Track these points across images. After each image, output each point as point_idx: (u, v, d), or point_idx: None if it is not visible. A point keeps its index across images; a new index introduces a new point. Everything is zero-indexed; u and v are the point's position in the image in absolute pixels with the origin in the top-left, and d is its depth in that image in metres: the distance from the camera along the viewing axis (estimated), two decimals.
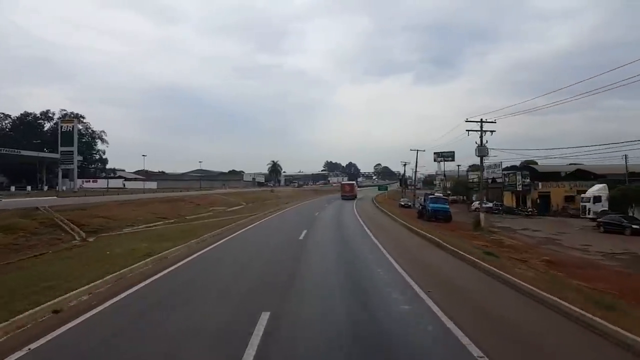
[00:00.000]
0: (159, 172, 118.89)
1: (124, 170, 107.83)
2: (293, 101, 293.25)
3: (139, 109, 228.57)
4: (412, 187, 76.38)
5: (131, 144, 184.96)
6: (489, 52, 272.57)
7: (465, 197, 72.51)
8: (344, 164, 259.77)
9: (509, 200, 51.59)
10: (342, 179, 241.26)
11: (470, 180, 70.87)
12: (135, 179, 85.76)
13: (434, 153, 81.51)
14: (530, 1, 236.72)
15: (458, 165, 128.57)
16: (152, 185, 72.79)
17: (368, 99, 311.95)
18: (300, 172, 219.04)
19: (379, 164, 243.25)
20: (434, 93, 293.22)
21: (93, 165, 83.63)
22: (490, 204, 47.59)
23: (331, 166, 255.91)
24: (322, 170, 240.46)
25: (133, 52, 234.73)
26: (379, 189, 62.46)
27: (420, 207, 36.47)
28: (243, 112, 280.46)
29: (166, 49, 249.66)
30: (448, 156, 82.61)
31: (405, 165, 76.94)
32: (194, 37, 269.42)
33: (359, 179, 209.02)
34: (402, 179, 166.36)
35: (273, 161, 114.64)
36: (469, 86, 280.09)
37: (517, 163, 58.80)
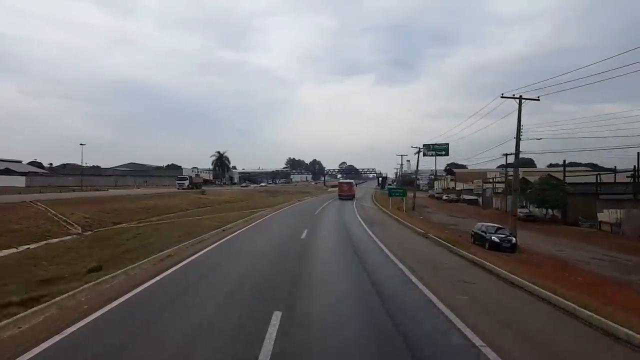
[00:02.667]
0: (93, 166, 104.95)
1: (21, 162, 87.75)
2: (256, 98, 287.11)
3: (95, 103, 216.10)
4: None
5: (82, 138, 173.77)
6: (448, 55, 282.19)
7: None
8: (307, 161, 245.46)
9: None
10: (306, 177, 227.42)
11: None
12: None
13: (423, 146, 66.60)
14: (488, 6, 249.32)
15: (447, 165, 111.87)
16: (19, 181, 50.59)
17: (332, 98, 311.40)
18: (259, 169, 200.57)
19: (344, 162, 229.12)
20: (395, 94, 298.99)
21: None
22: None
23: (294, 163, 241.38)
24: (284, 168, 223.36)
25: (87, 45, 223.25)
26: (390, 194, 40.11)
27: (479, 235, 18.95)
28: (203, 108, 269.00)
29: (123, 42, 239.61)
30: (441, 150, 67.78)
31: (404, 161, 59.97)
32: (153, 31, 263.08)
33: (324, 178, 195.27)
34: (383, 180, 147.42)
35: (219, 152, 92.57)
36: (428, 88, 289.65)
37: None
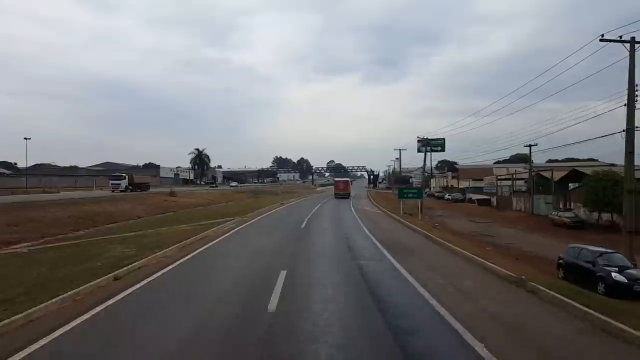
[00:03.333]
0: (70, 166, 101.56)
1: None
2: (241, 97, 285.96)
3: (77, 103, 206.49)
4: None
5: (63, 137, 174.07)
6: (433, 54, 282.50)
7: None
8: (294, 160, 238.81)
9: None
10: (293, 175, 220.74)
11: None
12: None
13: (418, 141, 60.53)
14: (473, 5, 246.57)
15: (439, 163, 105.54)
16: None
17: (318, 97, 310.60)
18: (245, 167, 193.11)
19: (332, 161, 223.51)
20: (381, 93, 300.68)
21: None
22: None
23: (281, 162, 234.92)
24: (271, 167, 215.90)
25: (68, 43, 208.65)
26: (401, 195, 30.86)
27: (579, 268, 11.15)
28: (188, 107, 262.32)
29: (105, 40, 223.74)
30: (437, 145, 61.76)
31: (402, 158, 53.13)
32: (135, 29, 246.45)
33: (312, 176, 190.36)
34: (375, 177, 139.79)
35: (198, 149, 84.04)
36: (413, 87, 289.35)
37: None
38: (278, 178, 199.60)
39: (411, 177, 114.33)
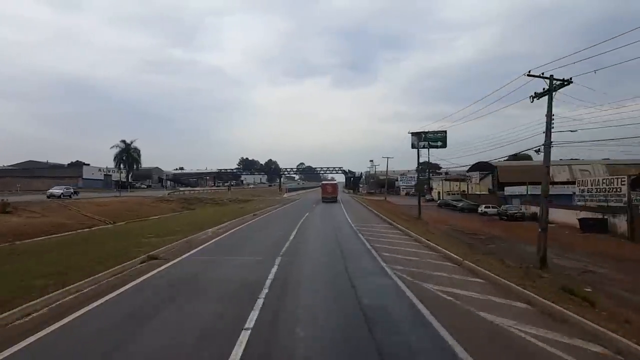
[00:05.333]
0: None
1: None
2: (209, 98, 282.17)
3: (35, 102, 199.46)
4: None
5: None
6: (400, 59, 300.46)
7: None
8: (262, 161, 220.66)
9: None
10: (260, 178, 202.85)
11: None
12: None
13: (412, 135, 46.08)
14: (438, 12, 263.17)
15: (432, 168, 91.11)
16: None
17: (288, 99, 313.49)
18: (207, 169, 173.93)
19: (302, 163, 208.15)
20: (351, 96, 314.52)
21: None
22: None
23: (247, 163, 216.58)
24: (236, 168, 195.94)
25: (26, 41, 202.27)
26: None
27: None
28: (153, 108, 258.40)
29: (66, 39, 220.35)
30: (436, 140, 46.95)
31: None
32: (98, 27, 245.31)
33: (280, 180, 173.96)
34: (355, 180, 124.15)
35: (125, 142, 63.49)
36: (383, 91, 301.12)
37: None
38: (242, 181, 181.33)
39: (396, 180, 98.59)
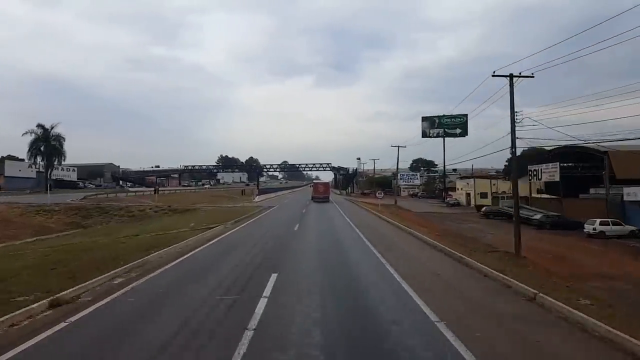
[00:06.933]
0: None
1: None
2: (191, 97, 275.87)
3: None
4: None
5: None
6: (384, 59, 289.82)
7: None
8: (243, 159, 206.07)
9: None
10: (240, 177, 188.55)
11: None
12: None
13: (423, 119, 34.99)
14: (421, 12, 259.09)
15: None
16: None
17: (271, 98, 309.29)
18: (180, 166, 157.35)
19: (286, 161, 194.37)
20: (335, 96, 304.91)
21: None
22: None
23: (227, 161, 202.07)
24: (214, 166, 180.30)
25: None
26: None
27: None
28: (135, 106, 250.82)
29: (43, 35, 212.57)
30: (454, 126, 34.24)
31: None
32: (76, 24, 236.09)
33: (263, 179, 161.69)
34: (350, 178, 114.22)
35: (42, 126, 46.74)
36: (366, 90, 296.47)
37: None
38: (219, 180, 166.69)
39: (393, 179, 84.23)
